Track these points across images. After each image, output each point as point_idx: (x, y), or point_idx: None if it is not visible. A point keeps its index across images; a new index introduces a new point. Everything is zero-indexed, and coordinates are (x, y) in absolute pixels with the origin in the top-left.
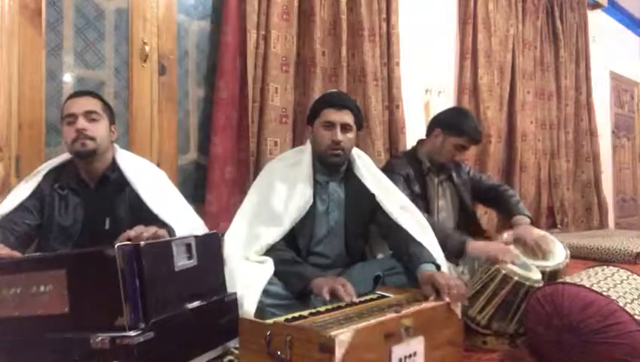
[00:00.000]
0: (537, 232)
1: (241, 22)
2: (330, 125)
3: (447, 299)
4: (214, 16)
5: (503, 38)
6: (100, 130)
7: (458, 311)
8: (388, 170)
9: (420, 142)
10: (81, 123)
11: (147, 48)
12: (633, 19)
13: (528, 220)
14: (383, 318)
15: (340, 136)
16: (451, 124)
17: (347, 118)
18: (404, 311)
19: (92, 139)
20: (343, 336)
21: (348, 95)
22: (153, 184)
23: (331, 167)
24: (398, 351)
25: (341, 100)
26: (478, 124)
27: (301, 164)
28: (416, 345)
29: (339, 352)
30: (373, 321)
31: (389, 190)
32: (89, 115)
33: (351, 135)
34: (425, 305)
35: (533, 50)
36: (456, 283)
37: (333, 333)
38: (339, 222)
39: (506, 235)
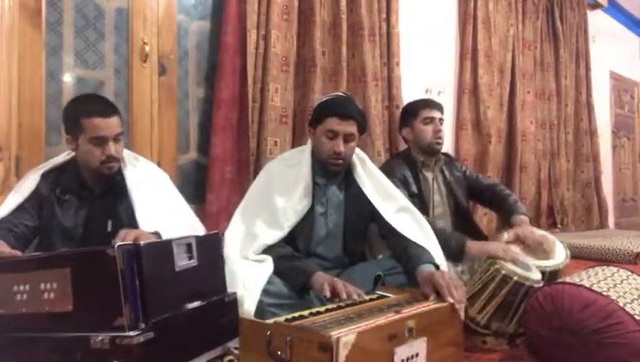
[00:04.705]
0: (539, 232)
1: (241, 22)
2: (333, 135)
3: (451, 300)
4: (214, 16)
5: (503, 38)
6: (122, 148)
7: (461, 311)
8: (385, 172)
9: (407, 143)
10: (113, 148)
11: (147, 48)
12: (633, 19)
13: (527, 219)
14: (386, 320)
15: (342, 147)
16: (406, 112)
17: (351, 128)
18: (406, 312)
19: (117, 160)
20: (346, 338)
21: (353, 100)
22: (152, 197)
23: (330, 173)
24: (401, 352)
25: (346, 109)
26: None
27: (301, 165)
28: (419, 345)
29: (342, 353)
30: (376, 323)
31: (387, 194)
32: (117, 136)
33: (353, 144)
34: (429, 306)
35: (533, 50)
36: (456, 283)
37: (334, 334)
38: (337, 224)
39: (507, 235)
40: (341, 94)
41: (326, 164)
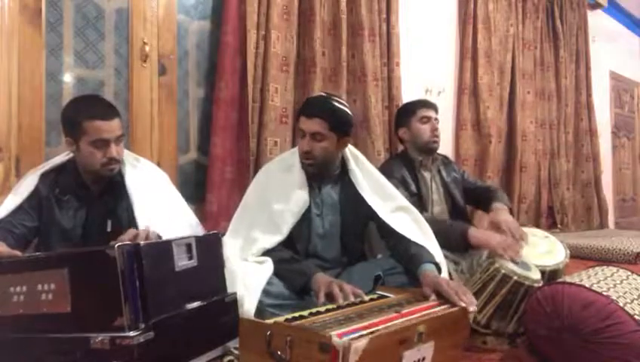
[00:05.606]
0: (507, 218)
1: (241, 22)
2: (302, 133)
3: (463, 304)
4: (214, 16)
5: (503, 38)
6: (123, 150)
7: (470, 315)
8: (383, 173)
9: (403, 144)
10: (115, 150)
11: (147, 48)
12: (633, 19)
13: (506, 207)
14: (399, 325)
15: (306, 146)
16: (402, 112)
17: (316, 126)
18: (407, 312)
19: (118, 162)
20: (358, 344)
21: (329, 99)
22: (152, 197)
23: (307, 173)
24: (409, 356)
25: (310, 108)
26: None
27: (295, 166)
28: (427, 350)
29: (352, 359)
30: (389, 329)
31: (385, 194)
32: (118, 138)
33: (324, 143)
34: (433, 307)
35: (533, 50)
36: (463, 289)
37: (345, 339)
38: (334, 225)
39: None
40: (323, 94)
41: (302, 163)
